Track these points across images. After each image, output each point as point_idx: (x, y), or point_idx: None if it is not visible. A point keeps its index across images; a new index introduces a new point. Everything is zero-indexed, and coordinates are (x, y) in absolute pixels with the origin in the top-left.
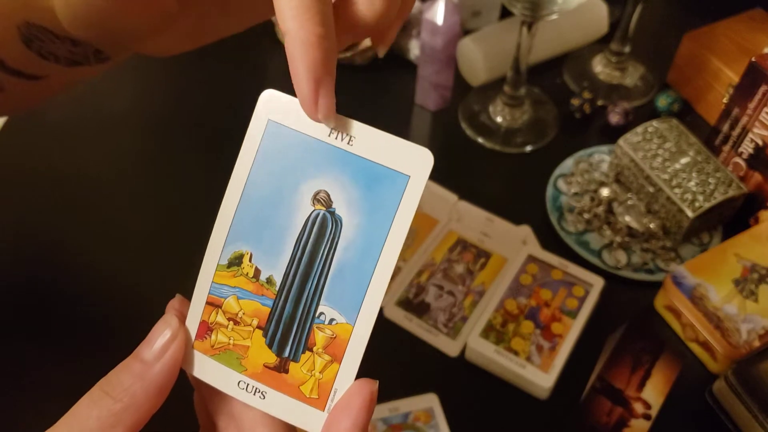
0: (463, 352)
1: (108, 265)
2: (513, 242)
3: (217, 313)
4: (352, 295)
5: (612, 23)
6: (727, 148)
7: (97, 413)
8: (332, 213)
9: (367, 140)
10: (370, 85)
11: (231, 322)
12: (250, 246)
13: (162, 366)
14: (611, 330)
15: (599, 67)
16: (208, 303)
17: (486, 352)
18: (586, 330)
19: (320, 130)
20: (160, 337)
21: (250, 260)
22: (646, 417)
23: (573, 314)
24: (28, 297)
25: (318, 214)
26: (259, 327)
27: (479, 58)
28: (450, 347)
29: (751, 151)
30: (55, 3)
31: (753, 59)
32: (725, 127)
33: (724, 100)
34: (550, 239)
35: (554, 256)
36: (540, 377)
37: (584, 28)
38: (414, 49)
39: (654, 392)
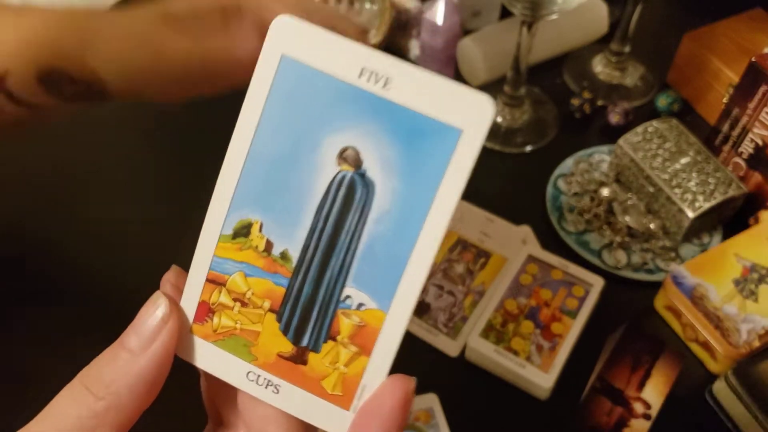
0: (463, 352)
1: (108, 264)
2: (513, 242)
3: (220, 293)
4: (385, 275)
5: (612, 23)
6: (727, 148)
7: (77, 412)
8: (362, 175)
9: (409, 83)
10: None
11: (237, 304)
12: (260, 214)
13: (151, 356)
14: (611, 330)
15: (599, 67)
16: (208, 280)
17: (486, 352)
18: (586, 330)
19: (349, 69)
20: (149, 320)
21: (260, 230)
22: (646, 417)
23: (573, 314)
24: (28, 297)
25: (344, 176)
26: (271, 310)
27: (479, 58)
28: (450, 347)
29: (751, 151)
30: (101, 64)
31: (753, 59)
32: (725, 127)
33: (724, 100)
34: (550, 239)
35: (554, 256)
36: (540, 377)
37: (584, 28)
38: (414, 49)
39: (654, 392)
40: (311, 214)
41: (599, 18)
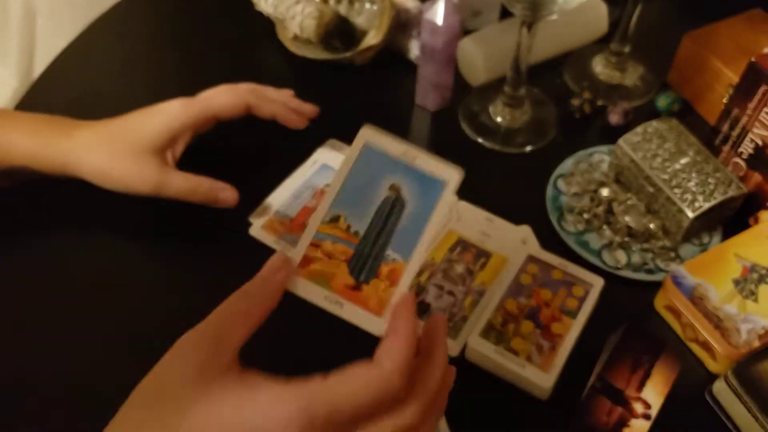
0: (463, 351)
1: (109, 263)
2: (513, 242)
3: (317, 250)
4: (406, 246)
5: (612, 23)
6: (726, 148)
7: (235, 308)
8: (399, 197)
9: (423, 159)
10: (370, 85)
11: (326, 257)
12: (346, 211)
13: (275, 281)
14: (611, 330)
15: (599, 67)
16: (311, 244)
17: (486, 352)
18: (586, 330)
19: (397, 152)
20: (274, 262)
21: (345, 220)
22: (646, 417)
23: (573, 314)
24: (28, 297)
25: (391, 197)
26: (345, 261)
27: (479, 58)
28: (450, 347)
29: (750, 151)
30: (71, 170)
31: (753, 59)
32: (725, 127)
33: (724, 100)
34: (550, 239)
35: (554, 256)
36: (540, 377)
37: (584, 28)
38: (414, 49)
39: (654, 392)
40: (372, 214)
41: (599, 18)
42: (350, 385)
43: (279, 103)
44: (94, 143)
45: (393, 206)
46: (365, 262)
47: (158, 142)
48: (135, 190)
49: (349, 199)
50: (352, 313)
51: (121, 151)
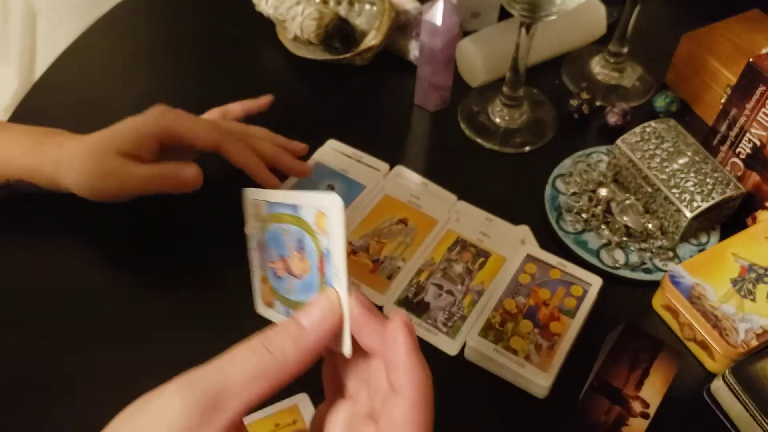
0: (462, 351)
1: (110, 263)
2: (512, 242)
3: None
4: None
5: (610, 24)
6: (724, 148)
7: (254, 362)
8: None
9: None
10: (370, 86)
11: None
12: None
13: (318, 335)
14: (609, 329)
15: (597, 67)
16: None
17: (485, 351)
18: (585, 329)
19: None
20: (319, 309)
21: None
22: (645, 416)
23: (571, 313)
24: (28, 297)
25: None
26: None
27: (478, 59)
28: (449, 346)
29: (748, 151)
30: (71, 185)
31: (751, 60)
32: (723, 128)
33: (722, 101)
34: (548, 239)
35: (553, 256)
36: (539, 376)
37: (583, 29)
38: (413, 50)
39: (652, 391)
40: None
41: (597, 19)
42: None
43: (266, 144)
44: (79, 152)
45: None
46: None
47: (124, 144)
48: (103, 191)
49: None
50: None
51: (98, 157)
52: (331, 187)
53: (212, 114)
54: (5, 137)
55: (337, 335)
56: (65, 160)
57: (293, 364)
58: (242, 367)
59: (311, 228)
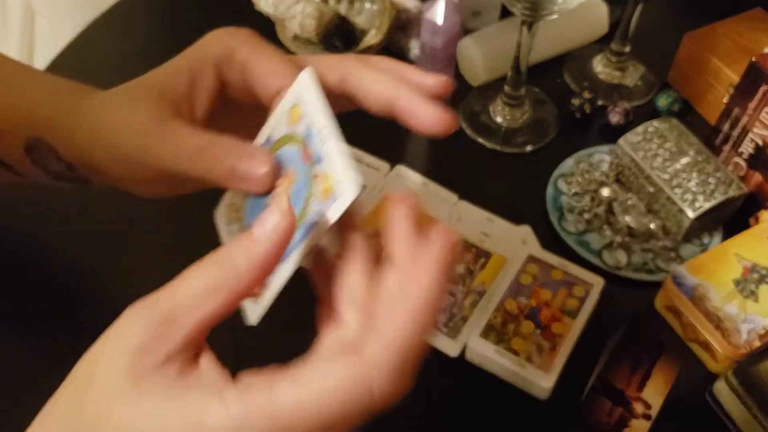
0: (463, 352)
1: (110, 264)
2: (513, 242)
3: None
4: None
5: (612, 23)
6: (727, 147)
7: (203, 279)
8: None
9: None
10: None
11: None
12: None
13: (269, 244)
14: (611, 330)
15: (599, 66)
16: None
17: (486, 352)
18: (587, 330)
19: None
20: (271, 218)
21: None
22: (647, 417)
23: (573, 314)
24: (30, 297)
25: None
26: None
27: (479, 58)
28: (450, 347)
29: (751, 150)
30: (80, 140)
31: (753, 59)
32: (725, 127)
33: (725, 100)
34: (550, 239)
35: (554, 256)
36: (540, 377)
37: (584, 28)
38: (414, 49)
39: (654, 392)
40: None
41: (599, 18)
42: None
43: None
44: (110, 98)
45: None
46: None
47: (170, 80)
48: (122, 152)
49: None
50: None
51: (140, 102)
52: None
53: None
54: (32, 83)
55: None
56: (96, 105)
57: (246, 276)
58: (193, 284)
59: (287, 135)
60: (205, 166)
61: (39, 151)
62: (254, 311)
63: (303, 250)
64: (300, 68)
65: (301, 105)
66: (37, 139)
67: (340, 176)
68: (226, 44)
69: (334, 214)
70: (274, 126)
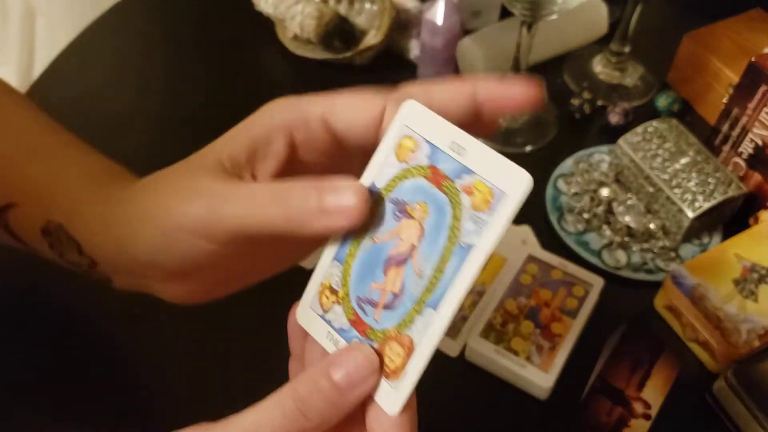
0: (463, 352)
1: None
2: (513, 242)
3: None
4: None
5: (612, 23)
6: (726, 148)
7: (288, 428)
8: None
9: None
10: (370, 85)
11: None
12: None
13: (356, 398)
14: (611, 330)
15: (599, 67)
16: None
17: (486, 352)
18: (586, 330)
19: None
20: (354, 365)
21: None
22: (646, 417)
23: (573, 314)
24: (30, 297)
25: None
26: None
27: (479, 59)
28: (450, 347)
29: (750, 151)
30: (115, 231)
31: (753, 59)
32: (725, 127)
33: (724, 100)
34: (550, 239)
35: (554, 256)
36: (540, 377)
37: (584, 29)
38: (414, 49)
39: (654, 392)
40: None
41: (599, 18)
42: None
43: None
44: (162, 176)
45: None
46: None
47: (230, 147)
48: (180, 221)
49: None
50: None
51: (193, 174)
52: None
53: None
54: (60, 150)
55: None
56: (146, 184)
57: (333, 424)
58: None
59: (400, 173)
60: (286, 210)
61: (57, 237)
62: (392, 399)
63: (471, 274)
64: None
65: (411, 135)
66: (57, 225)
67: (500, 175)
68: (296, 108)
69: (503, 217)
70: (376, 174)
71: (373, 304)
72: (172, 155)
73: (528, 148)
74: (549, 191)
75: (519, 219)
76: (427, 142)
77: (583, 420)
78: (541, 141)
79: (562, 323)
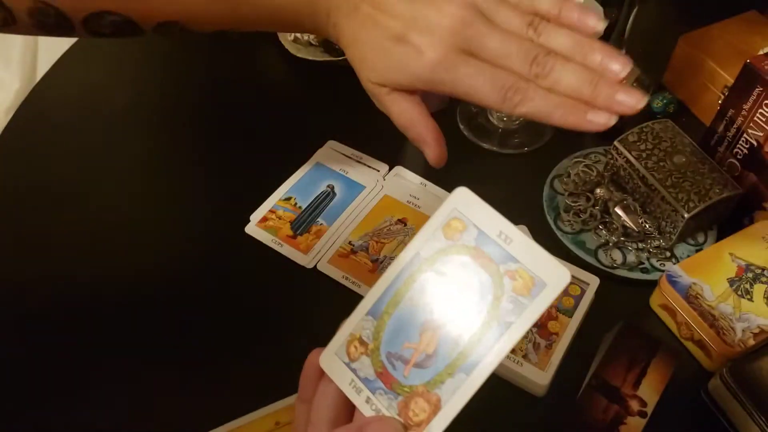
0: None
1: (111, 263)
2: None
3: (272, 214)
4: (333, 215)
5: (608, 25)
6: (722, 148)
7: None
8: (332, 192)
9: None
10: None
11: (277, 218)
12: (296, 195)
13: None
14: (607, 328)
15: None
16: (270, 210)
17: None
18: (582, 328)
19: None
20: None
21: (295, 199)
22: (642, 414)
23: (569, 313)
24: (31, 297)
25: (326, 191)
26: (289, 221)
27: None
28: None
29: (745, 151)
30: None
31: (748, 61)
32: (720, 128)
33: (720, 102)
34: (546, 239)
35: None
36: (537, 375)
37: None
38: None
39: (650, 390)
40: (311, 198)
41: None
42: None
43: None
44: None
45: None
46: (301, 223)
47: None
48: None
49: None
50: (288, 251)
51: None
52: (331, 187)
53: None
54: None
55: None
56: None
57: None
58: None
59: (444, 248)
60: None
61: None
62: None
63: (507, 347)
64: None
65: (461, 218)
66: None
67: (543, 268)
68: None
69: (542, 304)
70: (422, 244)
71: (405, 361)
72: (173, 155)
73: (525, 149)
74: (546, 191)
75: (516, 219)
76: (476, 226)
77: (579, 417)
78: (537, 142)
79: (558, 321)
